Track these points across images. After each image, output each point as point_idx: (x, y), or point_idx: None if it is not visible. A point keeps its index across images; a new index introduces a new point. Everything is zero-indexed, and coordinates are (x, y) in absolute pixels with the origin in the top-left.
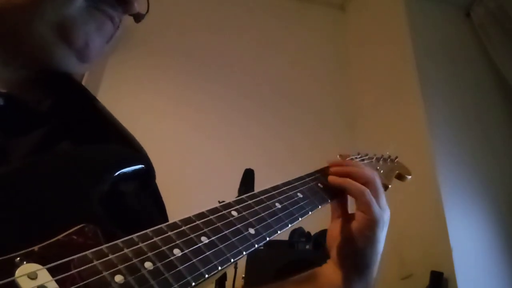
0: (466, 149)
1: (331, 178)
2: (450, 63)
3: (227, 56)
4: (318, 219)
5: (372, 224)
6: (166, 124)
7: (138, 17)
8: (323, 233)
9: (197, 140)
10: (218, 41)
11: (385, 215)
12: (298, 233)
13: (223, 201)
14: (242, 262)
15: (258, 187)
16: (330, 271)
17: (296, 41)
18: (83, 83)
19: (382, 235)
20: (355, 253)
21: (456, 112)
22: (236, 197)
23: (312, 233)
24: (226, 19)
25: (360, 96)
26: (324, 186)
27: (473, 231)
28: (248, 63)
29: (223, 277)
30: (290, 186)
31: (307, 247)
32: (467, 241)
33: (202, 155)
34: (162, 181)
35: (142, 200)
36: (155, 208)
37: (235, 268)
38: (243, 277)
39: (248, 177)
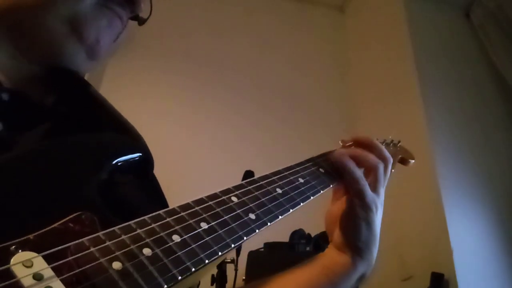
0: (466, 149)
1: (335, 155)
2: (450, 63)
3: (226, 58)
4: (318, 220)
5: (365, 209)
6: (166, 125)
7: (141, 20)
8: (323, 235)
9: (197, 142)
10: (217, 43)
11: (378, 200)
12: (298, 234)
13: None
14: (242, 264)
15: None
16: (331, 253)
17: (296, 42)
18: None
19: (377, 217)
20: (353, 235)
21: (456, 112)
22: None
23: (313, 235)
24: (225, 21)
25: (360, 97)
26: (326, 171)
27: (474, 232)
28: (247, 65)
29: (224, 279)
30: (291, 171)
31: (308, 248)
32: (467, 242)
33: (202, 157)
34: (162, 182)
35: (140, 189)
36: (154, 196)
37: (236, 270)
38: (243, 279)
39: (248, 179)
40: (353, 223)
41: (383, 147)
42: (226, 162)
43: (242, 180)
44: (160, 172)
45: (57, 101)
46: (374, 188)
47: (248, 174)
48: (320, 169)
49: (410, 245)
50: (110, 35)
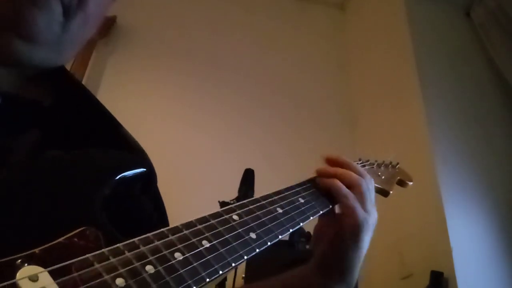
0: (466, 149)
1: (319, 180)
2: (450, 63)
3: (226, 56)
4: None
5: (355, 229)
6: (166, 124)
7: None
8: None
9: (197, 140)
10: (217, 41)
11: (370, 219)
12: (298, 233)
13: (223, 201)
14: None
15: (258, 187)
16: (311, 271)
17: (296, 40)
18: (83, 83)
19: (367, 238)
20: (337, 257)
21: (456, 112)
22: (238, 201)
23: (312, 233)
24: (225, 19)
25: (360, 96)
26: (325, 191)
27: (473, 231)
28: (247, 63)
29: (223, 277)
30: (292, 191)
31: (307, 247)
32: (467, 241)
33: (202, 155)
34: (163, 181)
35: (143, 204)
36: (155, 212)
37: (235, 268)
38: (243, 277)
39: (248, 177)
40: (341, 244)
41: (356, 165)
42: (226, 160)
43: (242, 178)
44: (160, 170)
45: (53, 105)
46: (364, 206)
47: (248, 172)
48: (320, 190)
49: (410, 243)
50: (42, 15)
